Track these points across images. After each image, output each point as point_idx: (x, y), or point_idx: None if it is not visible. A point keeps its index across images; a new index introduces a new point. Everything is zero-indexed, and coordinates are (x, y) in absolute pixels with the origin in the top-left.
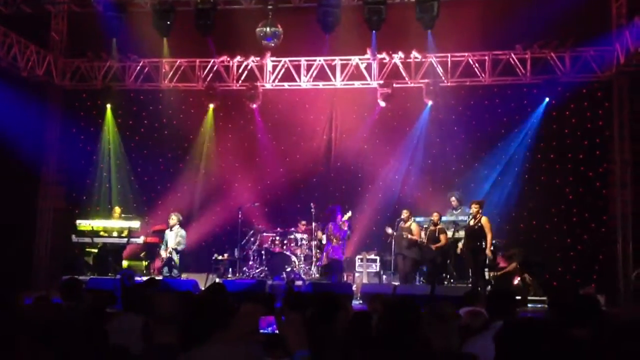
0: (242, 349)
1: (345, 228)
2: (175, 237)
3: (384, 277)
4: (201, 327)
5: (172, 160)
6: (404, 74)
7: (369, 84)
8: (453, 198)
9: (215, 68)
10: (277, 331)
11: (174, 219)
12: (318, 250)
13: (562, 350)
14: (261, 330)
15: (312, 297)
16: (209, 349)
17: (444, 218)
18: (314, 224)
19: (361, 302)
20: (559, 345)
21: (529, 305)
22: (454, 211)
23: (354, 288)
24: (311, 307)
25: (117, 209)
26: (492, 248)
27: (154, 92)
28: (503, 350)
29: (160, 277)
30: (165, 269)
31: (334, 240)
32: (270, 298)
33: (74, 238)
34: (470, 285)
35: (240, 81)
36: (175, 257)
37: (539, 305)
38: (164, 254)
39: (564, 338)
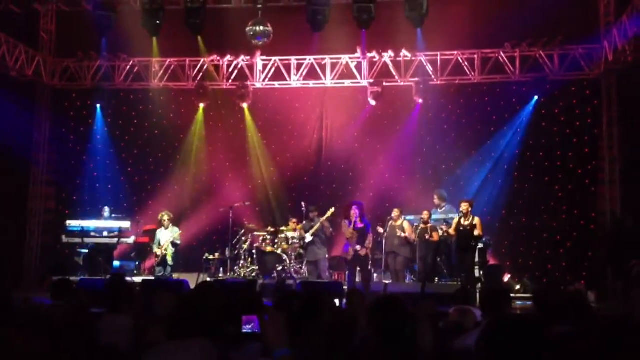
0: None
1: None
2: (170, 233)
3: (375, 275)
4: (183, 324)
5: (162, 160)
6: (394, 72)
7: (359, 83)
8: (435, 196)
9: (205, 67)
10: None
11: (166, 218)
12: (302, 250)
13: (543, 346)
14: (243, 330)
15: (301, 295)
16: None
17: (433, 216)
18: (304, 222)
19: (345, 300)
20: (540, 341)
21: (519, 302)
22: (438, 209)
23: (344, 287)
24: (298, 304)
25: (107, 209)
26: (481, 246)
27: (144, 91)
28: (486, 347)
29: (152, 277)
30: (158, 269)
31: (347, 237)
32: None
33: (64, 238)
34: (460, 283)
35: (230, 80)
36: (171, 255)
37: (529, 303)
38: (159, 251)
39: (545, 334)
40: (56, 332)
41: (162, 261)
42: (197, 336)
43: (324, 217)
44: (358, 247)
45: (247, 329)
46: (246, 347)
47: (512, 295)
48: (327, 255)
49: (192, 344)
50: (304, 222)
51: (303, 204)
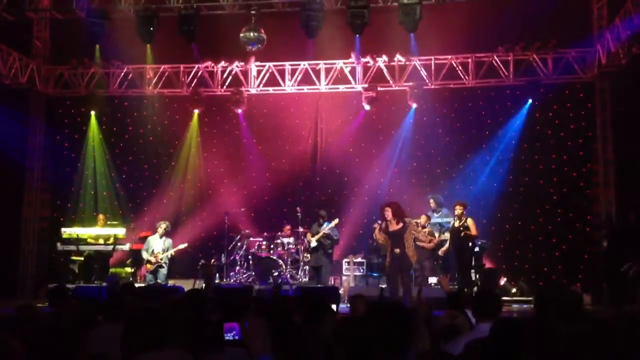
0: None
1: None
2: (163, 244)
3: (370, 279)
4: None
5: (157, 167)
6: (388, 77)
7: (353, 88)
8: (431, 201)
9: (199, 74)
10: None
11: (163, 227)
12: (307, 254)
13: (548, 347)
14: (225, 337)
15: (299, 301)
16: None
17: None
18: (300, 228)
19: (349, 305)
20: (546, 342)
21: (515, 305)
22: (434, 213)
23: (341, 291)
24: (298, 310)
25: (101, 217)
26: (477, 249)
27: (139, 98)
28: (494, 349)
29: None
30: (150, 276)
31: (380, 242)
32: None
33: (59, 246)
34: (456, 286)
35: (224, 86)
36: (165, 265)
37: (525, 306)
38: (152, 259)
39: (550, 336)
40: (47, 342)
41: (157, 269)
42: (171, 346)
43: (326, 227)
44: (397, 250)
45: (228, 336)
46: (226, 352)
47: (508, 298)
48: (330, 263)
49: (168, 355)
50: (313, 225)
51: (298, 209)
